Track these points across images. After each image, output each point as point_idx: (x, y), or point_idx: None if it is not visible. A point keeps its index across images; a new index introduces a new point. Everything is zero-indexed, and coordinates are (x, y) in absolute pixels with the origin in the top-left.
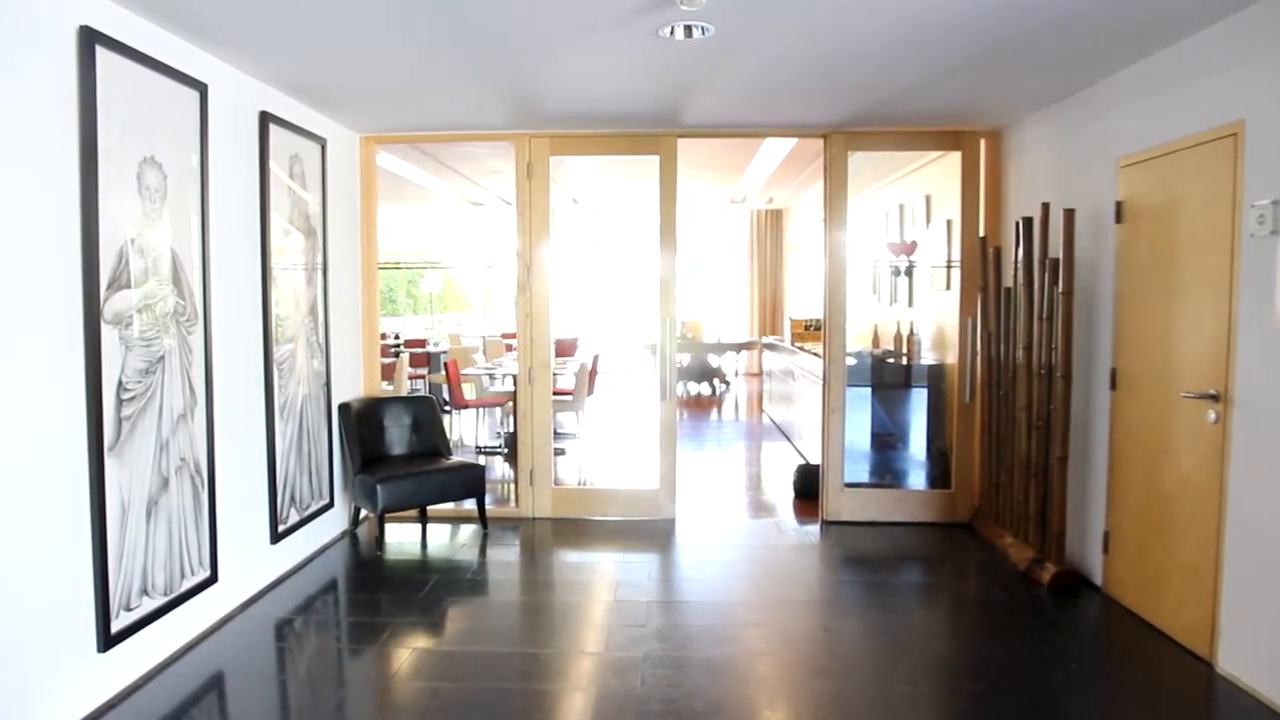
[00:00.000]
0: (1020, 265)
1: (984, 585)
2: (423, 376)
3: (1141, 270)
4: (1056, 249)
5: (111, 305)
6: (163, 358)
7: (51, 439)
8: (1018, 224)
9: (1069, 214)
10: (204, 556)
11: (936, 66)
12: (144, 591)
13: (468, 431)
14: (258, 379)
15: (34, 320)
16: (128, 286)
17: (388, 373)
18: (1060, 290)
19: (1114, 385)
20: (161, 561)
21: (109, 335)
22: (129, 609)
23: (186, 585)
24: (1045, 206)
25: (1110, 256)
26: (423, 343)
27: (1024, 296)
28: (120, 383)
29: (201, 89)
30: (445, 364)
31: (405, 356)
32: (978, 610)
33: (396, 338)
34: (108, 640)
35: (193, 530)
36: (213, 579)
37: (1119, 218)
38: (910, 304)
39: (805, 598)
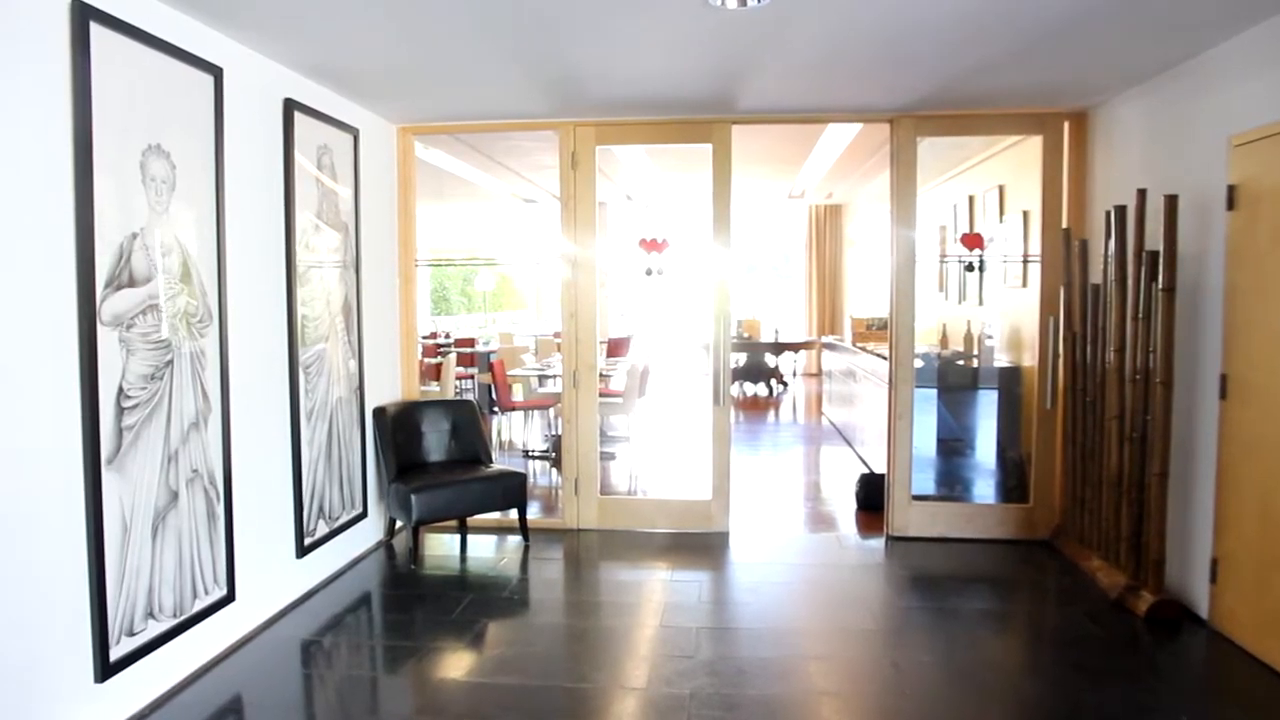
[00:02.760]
0: (1112, 259)
1: (1071, 614)
2: (471, 377)
3: (1260, 263)
4: (1154, 241)
5: (110, 305)
6: (171, 362)
7: (42, 452)
8: (1108, 214)
9: (1170, 201)
10: (219, 574)
11: (1018, 39)
12: (149, 614)
13: (517, 433)
14: (281, 383)
15: (21, 322)
16: (129, 285)
17: (435, 373)
18: (1160, 286)
19: (1224, 394)
20: (170, 581)
21: (107, 338)
22: (131, 634)
23: (199, 606)
24: (1141, 193)
25: (1220, 248)
26: (470, 342)
27: (1116, 293)
28: (121, 389)
29: (216, 73)
30: (491, 364)
31: (452, 356)
32: (1066, 644)
33: (447, 336)
34: (105, 669)
35: (206, 547)
36: (229, 598)
37: (1231, 204)
38: (980, 302)
39: (871, 626)
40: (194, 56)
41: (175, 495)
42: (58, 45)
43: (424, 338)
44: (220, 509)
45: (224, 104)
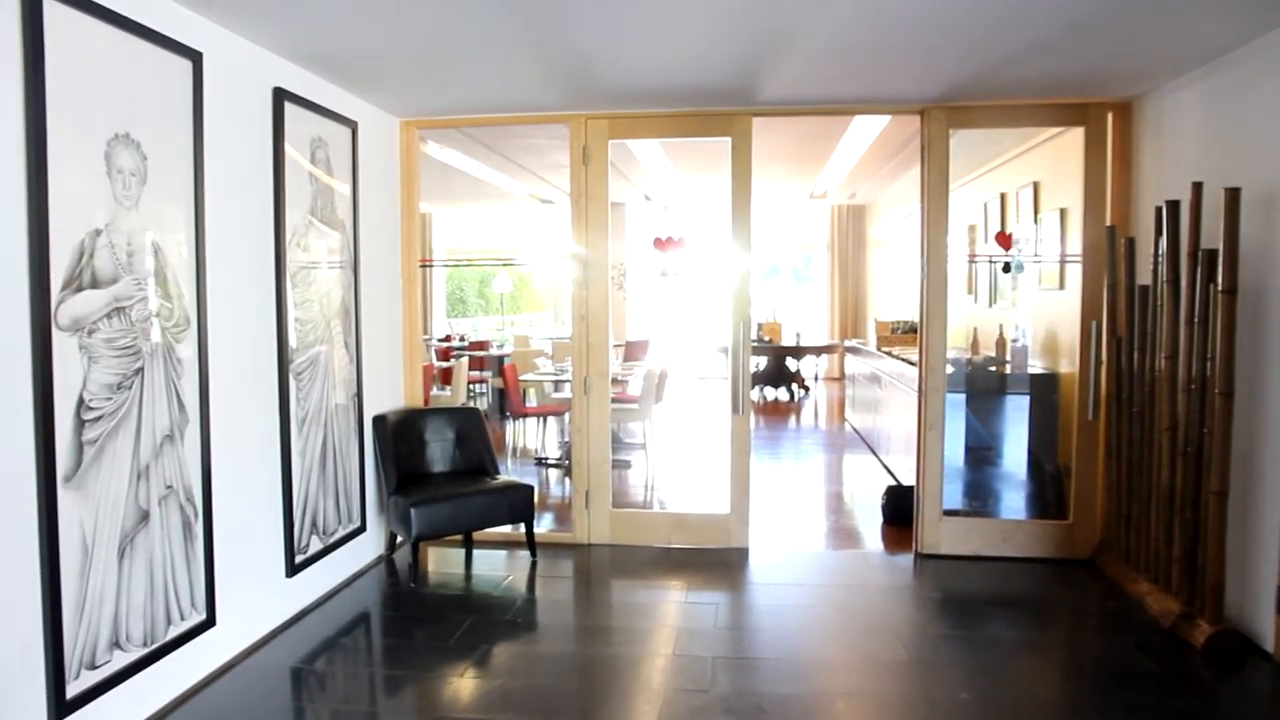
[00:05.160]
0: (1164, 258)
1: (1120, 644)
2: (483, 381)
3: None
4: (1210, 238)
5: (69, 309)
6: (141, 370)
7: None
8: (1159, 209)
9: (1232, 194)
10: (197, 597)
11: (1061, 20)
12: (115, 644)
13: (533, 438)
14: (269, 391)
15: None
16: (92, 286)
17: (446, 377)
18: (1219, 288)
19: None
20: (139, 608)
21: (65, 344)
22: (93, 667)
23: (174, 633)
24: (1197, 187)
25: None
26: (483, 345)
27: (1168, 295)
28: (82, 400)
29: (194, 58)
30: (502, 369)
31: (465, 360)
32: (1117, 679)
33: (461, 339)
34: (61, 708)
35: (182, 569)
36: (209, 623)
37: None
38: (1014, 305)
39: (902, 657)
40: (168, 39)
41: (146, 514)
42: (6, 23)
43: (439, 340)
44: (199, 527)
45: (204, 92)
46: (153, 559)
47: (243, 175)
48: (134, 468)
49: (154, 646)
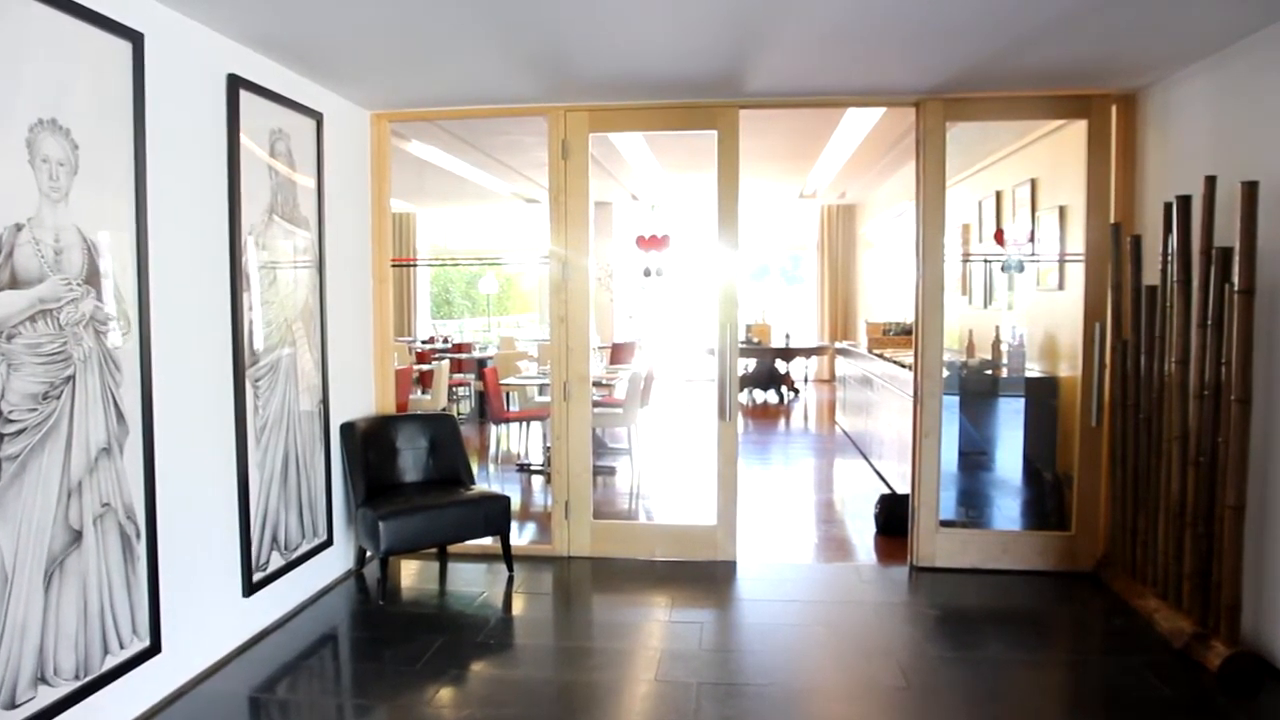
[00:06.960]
0: (1174, 257)
1: (1131, 667)
2: (466, 384)
3: None
4: (1224, 236)
5: None
6: (72, 378)
7: None
8: (1169, 205)
9: (1249, 188)
10: (140, 623)
11: (1068, 3)
12: (39, 679)
13: (516, 443)
14: (223, 399)
15: None
16: (11, 287)
17: (426, 381)
18: (1235, 288)
19: None
20: (70, 637)
21: None
22: (13, 706)
23: (111, 663)
24: (1210, 181)
25: None
26: (465, 347)
27: (1178, 296)
28: (0, 412)
29: (134, 39)
30: (482, 372)
31: (445, 364)
32: (1131, 707)
33: (445, 341)
34: None
35: (122, 592)
36: (153, 650)
37: None
38: (1010, 306)
39: (899, 683)
40: (102, 17)
41: (78, 535)
42: None
43: (423, 342)
44: (141, 548)
45: (145, 76)
46: (86, 583)
47: (192, 168)
48: (64, 485)
49: (88, 679)
